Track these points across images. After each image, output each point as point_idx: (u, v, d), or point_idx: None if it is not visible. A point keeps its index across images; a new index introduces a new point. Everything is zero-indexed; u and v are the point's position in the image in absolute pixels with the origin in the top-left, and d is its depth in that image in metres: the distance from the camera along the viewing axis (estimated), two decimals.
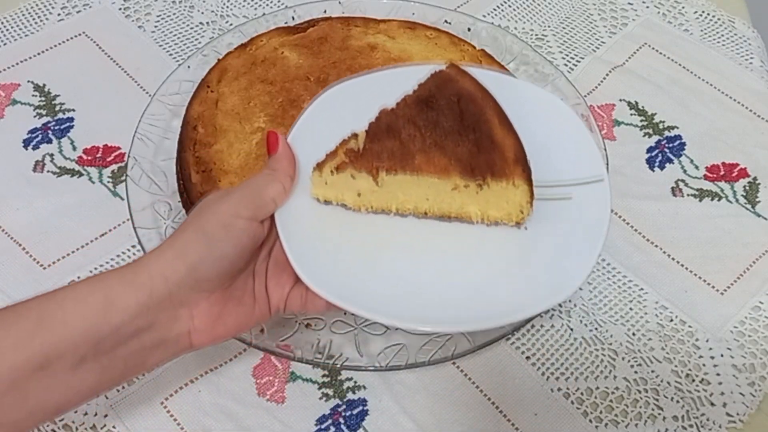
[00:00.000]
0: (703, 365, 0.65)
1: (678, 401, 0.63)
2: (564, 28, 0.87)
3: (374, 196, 0.55)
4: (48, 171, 0.73)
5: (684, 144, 0.78)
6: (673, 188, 0.75)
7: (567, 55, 0.84)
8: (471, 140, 0.54)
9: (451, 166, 0.53)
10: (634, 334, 0.66)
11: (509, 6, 0.89)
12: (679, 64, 0.84)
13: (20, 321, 0.45)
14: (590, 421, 0.62)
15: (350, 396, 0.62)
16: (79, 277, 0.67)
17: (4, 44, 0.82)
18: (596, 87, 0.82)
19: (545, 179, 0.56)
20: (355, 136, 0.54)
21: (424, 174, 0.53)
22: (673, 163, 0.77)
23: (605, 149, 0.69)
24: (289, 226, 0.53)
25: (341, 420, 0.61)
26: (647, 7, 0.89)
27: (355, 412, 0.62)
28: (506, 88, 0.57)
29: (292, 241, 0.52)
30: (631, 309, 0.67)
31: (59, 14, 0.85)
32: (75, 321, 0.46)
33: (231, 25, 0.85)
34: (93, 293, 0.47)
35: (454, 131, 0.54)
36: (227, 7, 0.87)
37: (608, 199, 0.56)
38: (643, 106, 0.81)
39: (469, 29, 0.78)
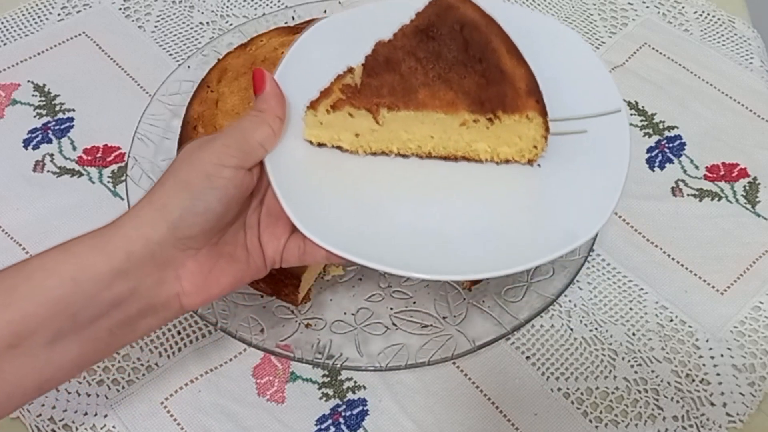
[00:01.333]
0: (703, 365, 0.64)
1: (678, 401, 0.63)
2: None
3: (374, 136, 0.51)
4: (48, 171, 0.73)
5: (684, 144, 0.78)
6: (673, 188, 0.75)
7: None
8: (478, 71, 0.49)
9: (458, 100, 0.49)
10: (634, 334, 0.66)
11: None
12: (679, 64, 0.84)
13: None
14: (590, 421, 0.62)
15: (350, 396, 0.62)
16: None
17: (4, 44, 0.82)
18: None
19: (558, 113, 0.51)
20: (351, 70, 0.50)
21: (429, 109, 0.49)
22: (673, 163, 0.77)
23: None
24: (282, 172, 0.48)
25: (341, 420, 0.61)
26: (647, 7, 0.89)
27: (355, 412, 0.61)
28: (511, 17, 0.52)
29: (285, 189, 0.48)
30: (631, 309, 0.67)
31: (59, 14, 0.85)
32: (44, 294, 0.43)
33: (231, 25, 0.85)
34: (63, 263, 0.43)
35: (459, 62, 0.49)
36: (227, 7, 0.87)
37: (627, 130, 0.52)
38: (643, 106, 0.81)
39: None
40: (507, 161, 0.52)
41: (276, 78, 0.51)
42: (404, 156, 0.52)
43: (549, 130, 0.50)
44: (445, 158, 0.52)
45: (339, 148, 0.51)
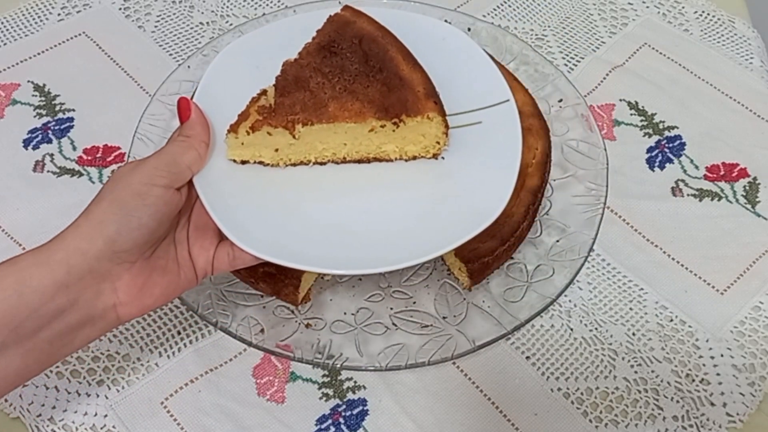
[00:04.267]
0: (703, 365, 0.64)
1: (678, 401, 0.63)
2: (564, 28, 0.87)
3: (292, 149, 0.55)
4: (48, 171, 0.73)
5: (684, 144, 0.78)
6: (673, 188, 0.75)
7: (567, 55, 0.84)
8: (379, 80, 0.54)
9: (365, 109, 0.54)
10: (634, 334, 0.66)
11: (509, 6, 0.89)
12: (679, 64, 0.84)
13: None
14: (590, 421, 0.62)
15: (350, 396, 0.62)
16: None
17: (4, 44, 0.82)
18: (596, 87, 0.82)
19: (454, 108, 0.57)
20: (264, 92, 0.54)
21: (340, 121, 0.54)
22: (673, 163, 0.77)
23: (605, 149, 0.69)
24: (210, 189, 0.53)
25: (341, 420, 0.61)
26: (647, 7, 0.89)
27: (355, 412, 0.61)
28: (404, 25, 0.58)
29: (212, 202, 0.52)
30: (631, 309, 0.67)
31: (59, 14, 0.85)
32: None
33: (231, 25, 0.85)
34: (6, 277, 0.46)
35: (362, 73, 0.55)
36: (227, 7, 0.87)
37: (516, 118, 0.57)
38: (643, 106, 0.81)
39: (469, 29, 0.78)
40: (414, 158, 0.57)
41: (196, 101, 0.55)
42: (321, 163, 0.57)
43: (449, 127, 0.55)
44: (359, 161, 0.57)
45: (261, 162, 0.56)
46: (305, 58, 0.55)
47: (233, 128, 0.54)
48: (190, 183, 0.53)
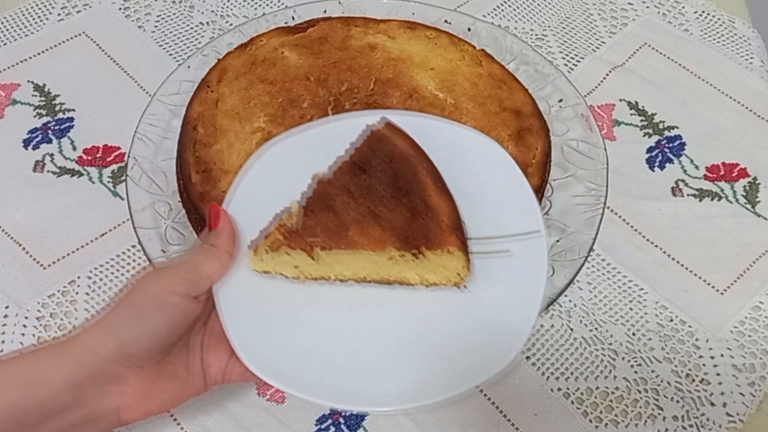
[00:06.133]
0: (703, 365, 0.65)
1: (678, 401, 0.63)
2: (564, 28, 0.87)
3: (312, 268, 0.54)
4: (48, 171, 0.73)
5: (684, 144, 0.78)
6: (673, 188, 0.75)
7: (567, 55, 0.84)
8: (405, 205, 0.53)
9: (385, 238, 0.53)
10: (634, 334, 0.66)
11: (509, 6, 0.89)
12: (679, 64, 0.84)
13: None
14: (590, 421, 0.62)
15: None
16: (79, 278, 0.67)
17: (4, 44, 0.82)
18: (596, 87, 0.82)
19: (483, 234, 0.55)
20: (289, 210, 0.54)
21: (359, 248, 0.53)
22: (673, 163, 0.77)
23: (605, 149, 0.69)
24: (228, 299, 0.52)
25: (341, 420, 0.61)
26: (647, 7, 0.89)
27: (355, 412, 0.61)
28: (441, 137, 0.57)
29: (230, 317, 0.52)
30: (631, 309, 0.67)
31: (59, 14, 0.85)
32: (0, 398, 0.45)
33: (231, 25, 0.85)
34: (18, 367, 0.47)
35: (388, 196, 0.53)
36: (227, 7, 0.87)
37: (545, 254, 0.55)
38: (643, 106, 0.81)
39: (469, 29, 0.78)
40: (436, 285, 0.55)
41: (228, 209, 0.55)
42: (343, 281, 0.55)
43: (470, 262, 0.53)
44: (380, 282, 0.55)
45: (282, 275, 0.55)
46: (338, 176, 0.54)
47: (254, 246, 0.53)
48: (210, 289, 0.52)
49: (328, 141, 0.57)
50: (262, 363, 0.51)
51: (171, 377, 0.51)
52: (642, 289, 0.69)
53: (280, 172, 0.58)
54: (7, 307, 0.65)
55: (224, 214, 0.54)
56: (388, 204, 0.53)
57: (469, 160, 0.58)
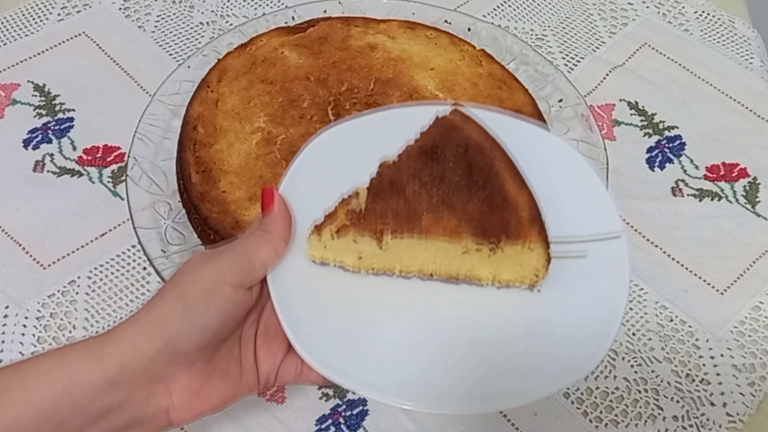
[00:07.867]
0: (703, 365, 0.65)
1: (678, 401, 0.63)
2: (564, 28, 0.87)
3: (377, 259, 0.50)
4: (48, 171, 0.73)
5: (684, 144, 0.78)
6: (673, 188, 0.75)
7: (567, 55, 0.84)
8: (481, 197, 0.49)
9: (461, 228, 0.48)
10: (634, 334, 0.66)
11: (509, 6, 0.89)
12: (679, 64, 0.84)
13: None
14: (590, 421, 0.62)
15: (350, 396, 0.62)
16: (79, 278, 0.67)
17: (4, 44, 0.82)
18: (596, 87, 0.82)
19: (558, 235, 0.50)
20: (356, 194, 0.49)
21: (433, 236, 0.49)
22: (673, 163, 0.77)
23: (605, 149, 0.69)
24: (283, 290, 0.48)
25: (341, 420, 0.61)
26: (647, 7, 0.89)
27: (355, 412, 0.62)
28: (513, 133, 0.52)
29: (286, 309, 0.47)
30: (631, 309, 0.67)
31: (59, 14, 0.85)
32: (34, 399, 0.41)
33: (231, 25, 0.85)
34: (53, 369, 0.43)
35: (463, 187, 0.49)
36: (227, 7, 0.87)
37: (626, 258, 0.51)
38: (643, 106, 0.81)
39: (469, 29, 0.78)
40: (507, 285, 0.51)
41: (281, 191, 0.50)
42: (405, 276, 0.51)
43: (550, 260, 0.49)
44: (446, 279, 0.51)
45: (341, 266, 0.51)
46: (405, 161, 0.49)
47: (318, 229, 0.49)
48: (264, 280, 0.48)
49: (395, 127, 0.52)
50: (321, 357, 0.46)
51: (223, 375, 0.47)
52: (642, 289, 0.69)
53: (338, 156, 0.53)
54: (7, 307, 0.65)
55: (278, 197, 0.49)
56: (463, 195, 0.49)
57: (539, 157, 0.53)
